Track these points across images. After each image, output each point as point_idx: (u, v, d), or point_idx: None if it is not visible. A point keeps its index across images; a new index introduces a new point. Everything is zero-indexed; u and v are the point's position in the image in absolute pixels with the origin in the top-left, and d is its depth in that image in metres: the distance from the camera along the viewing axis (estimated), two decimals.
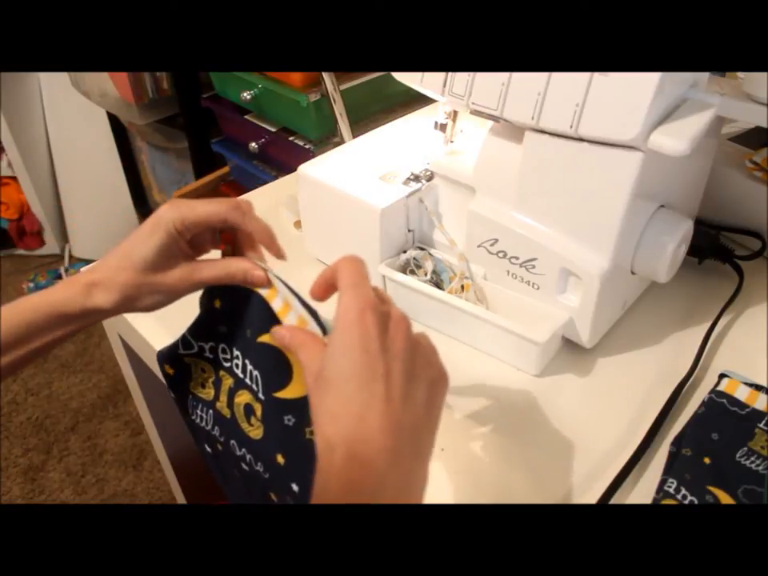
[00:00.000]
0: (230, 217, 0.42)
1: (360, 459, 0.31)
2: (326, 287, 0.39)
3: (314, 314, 0.40)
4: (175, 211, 0.41)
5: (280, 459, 0.43)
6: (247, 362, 0.44)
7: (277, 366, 0.42)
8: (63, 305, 0.40)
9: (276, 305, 0.41)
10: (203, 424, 0.49)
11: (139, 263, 0.41)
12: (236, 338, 0.45)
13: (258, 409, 0.44)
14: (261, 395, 0.43)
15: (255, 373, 0.44)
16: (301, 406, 0.41)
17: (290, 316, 0.40)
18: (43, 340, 0.41)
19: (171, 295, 0.43)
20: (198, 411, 0.49)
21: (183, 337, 0.46)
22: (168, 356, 0.47)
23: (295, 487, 0.42)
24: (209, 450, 0.50)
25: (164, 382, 0.49)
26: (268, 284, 0.42)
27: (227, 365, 0.46)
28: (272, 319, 0.41)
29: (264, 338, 0.42)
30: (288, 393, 0.42)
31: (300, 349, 0.37)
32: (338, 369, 0.33)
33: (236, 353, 0.45)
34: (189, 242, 0.43)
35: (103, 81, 1.52)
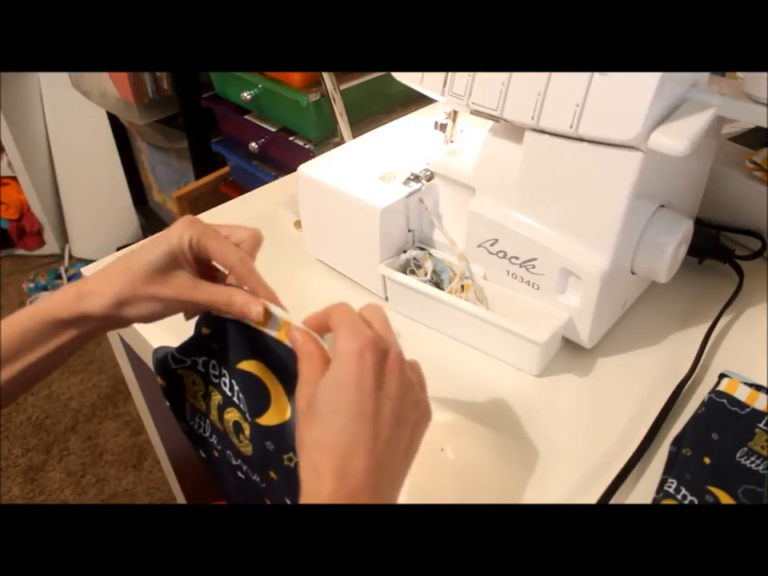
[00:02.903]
0: (236, 269, 0.42)
1: (345, 493, 0.32)
2: (315, 328, 0.38)
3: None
4: (194, 229, 0.41)
5: (273, 475, 0.43)
6: (234, 382, 0.44)
7: (256, 393, 0.42)
8: (57, 309, 0.40)
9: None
10: (201, 431, 0.49)
11: (141, 269, 0.40)
12: (224, 358, 0.45)
13: (247, 428, 0.44)
14: (248, 416, 0.43)
15: (241, 395, 0.44)
16: (279, 433, 0.42)
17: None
18: (41, 350, 0.41)
19: (167, 305, 0.42)
20: (197, 419, 0.48)
21: (172, 354, 0.45)
22: (159, 367, 0.47)
23: (288, 501, 0.42)
24: (203, 455, 0.49)
25: None
26: (264, 321, 0.40)
27: (216, 381, 0.46)
28: (249, 348, 0.42)
29: (243, 365, 0.42)
30: (266, 419, 0.42)
31: (305, 358, 0.37)
32: (330, 402, 0.34)
33: (224, 371, 0.45)
34: (195, 259, 0.43)
35: (103, 81, 1.52)
